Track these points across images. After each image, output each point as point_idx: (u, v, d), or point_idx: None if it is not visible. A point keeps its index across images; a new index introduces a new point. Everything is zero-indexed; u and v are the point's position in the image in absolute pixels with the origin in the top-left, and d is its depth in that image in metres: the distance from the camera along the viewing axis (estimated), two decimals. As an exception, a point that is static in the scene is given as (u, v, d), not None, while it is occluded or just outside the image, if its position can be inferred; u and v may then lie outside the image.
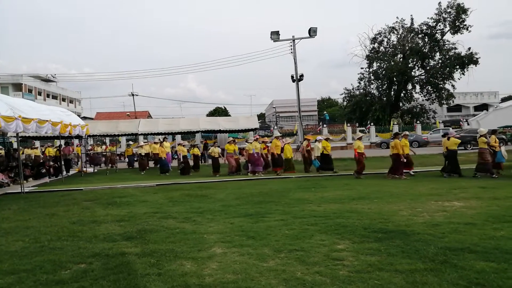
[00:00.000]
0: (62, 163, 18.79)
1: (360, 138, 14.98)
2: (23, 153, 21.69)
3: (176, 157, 22.74)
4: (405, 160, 13.32)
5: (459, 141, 13.40)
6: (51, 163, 19.91)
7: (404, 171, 13.57)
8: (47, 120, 13.80)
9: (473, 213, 7.00)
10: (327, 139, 17.16)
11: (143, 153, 20.54)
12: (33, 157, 21.58)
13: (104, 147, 28.54)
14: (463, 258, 4.52)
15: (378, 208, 7.89)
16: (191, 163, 19.41)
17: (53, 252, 5.44)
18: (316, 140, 16.48)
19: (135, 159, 24.09)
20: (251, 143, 16.69)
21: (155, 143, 21.11)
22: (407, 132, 15.35)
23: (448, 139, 13.32)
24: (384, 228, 6.11)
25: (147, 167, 21.44)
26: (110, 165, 23.57)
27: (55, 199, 10.95)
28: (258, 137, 18.12)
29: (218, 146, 19.25)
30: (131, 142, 32.73)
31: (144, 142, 23.52)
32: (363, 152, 14.27)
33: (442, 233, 5.69)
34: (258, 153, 16.04)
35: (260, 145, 16.90)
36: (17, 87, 56.15)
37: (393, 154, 13.55)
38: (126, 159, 25.19)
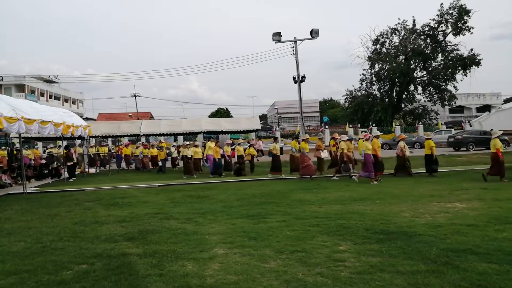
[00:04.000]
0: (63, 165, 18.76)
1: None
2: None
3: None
4: None
5: None
6: (54, 164, 19.93)
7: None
8: (49, 121, 13.83)
9: (475, 215, 6.98)
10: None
11: (189, 155, 17.76)
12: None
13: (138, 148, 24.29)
14: (465, 260, 4.51)
15: (379, 209, 7.88)
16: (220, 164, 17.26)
17: (55, 253, 5.45)
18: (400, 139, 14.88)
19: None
20: (345, 141, 14.59)
21: (195, 146, 18.61)
22: None
23: None
24: (385, 229, 6.10)
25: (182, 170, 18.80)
26: (143, 167, 22.19)
27: (57, 200, 10.97)
28: (369, 135, 14.78)
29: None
30: (176, 144, 27.43)
31: (190, 142, 20.31)
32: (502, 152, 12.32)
33: (444, 234, 5.68)
34: (371, 155, 13.08)
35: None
36: (20, 88, 56.31)
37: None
38: (159, 163, 21.27)
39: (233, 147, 19.06)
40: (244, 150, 17.68)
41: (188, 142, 19.40)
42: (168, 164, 21.70)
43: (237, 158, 16.90)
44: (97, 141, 27.49)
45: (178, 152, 21.47)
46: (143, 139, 28.71)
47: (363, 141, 13.42)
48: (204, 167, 19.43)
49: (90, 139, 24.69)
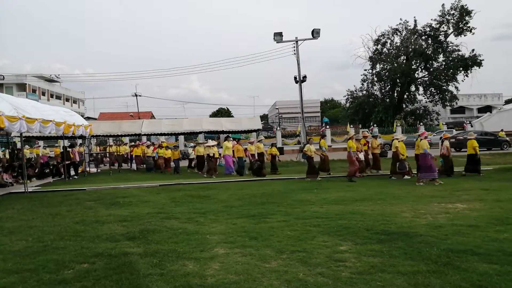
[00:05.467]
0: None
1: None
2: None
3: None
4: None
5: None
6: (55, 163, 19.96)
7: None
8: (50, 120, 13.86)
9: (476, 215, 6.98)
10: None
11: (212, 154, 17.27)
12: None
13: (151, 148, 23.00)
14: (466, 260, 4.51)
15: (380, 209, 7.88)
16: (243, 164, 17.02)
17: (56, 252, 5.46)
18: (444, 139, 14.21)
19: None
20: (397, 139, 13.85)
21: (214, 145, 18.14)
22: None
23: None
24: (386, 229, 6.10)
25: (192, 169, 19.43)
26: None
27: (59, 199, 10.98)
28: (426, 134, 13.55)
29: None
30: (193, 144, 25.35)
31: (212, 141, 19.19)
32: None
33: (445, 235, 5.68)
34: (429, 154, 12.16)
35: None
36: (21, 87, 56.39)
37: None
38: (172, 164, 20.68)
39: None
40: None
41: (211, 141, 18.86)
42: (183, 164, 21.40)
43: (257, 156, 16.74)
44: (115, 140, 27.66)
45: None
46: (144, 138, 28.55)
47: (421, 140, 12.62)
48: (220, 166, 18.83)
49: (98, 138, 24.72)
